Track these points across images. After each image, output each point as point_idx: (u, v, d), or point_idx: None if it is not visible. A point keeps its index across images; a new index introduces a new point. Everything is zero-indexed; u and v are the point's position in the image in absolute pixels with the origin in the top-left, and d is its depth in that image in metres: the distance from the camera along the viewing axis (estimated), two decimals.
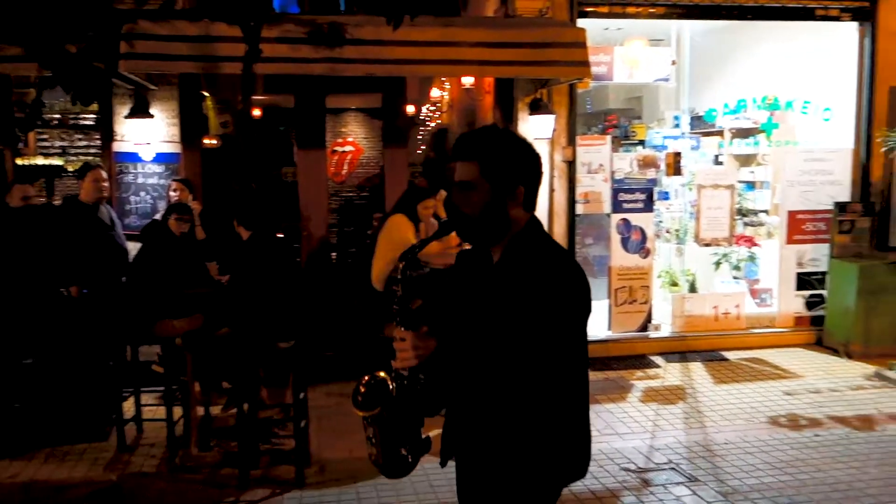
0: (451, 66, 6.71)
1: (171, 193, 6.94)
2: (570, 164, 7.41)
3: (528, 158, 2.30)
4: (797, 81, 8.21)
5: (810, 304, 7.91)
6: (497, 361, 2.14)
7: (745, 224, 8.27)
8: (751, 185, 8.52)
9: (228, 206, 6.98)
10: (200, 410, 5.49)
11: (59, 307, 5.63)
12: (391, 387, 2.29)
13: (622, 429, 5.68)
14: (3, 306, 5.45)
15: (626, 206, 7.52)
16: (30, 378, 5.45)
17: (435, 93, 10.81)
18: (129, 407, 5.63)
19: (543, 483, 2.29)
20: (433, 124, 11.42)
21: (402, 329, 2.25)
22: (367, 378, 2.34)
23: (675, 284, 8.14)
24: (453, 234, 6.92)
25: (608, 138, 7.92)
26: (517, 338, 2.12)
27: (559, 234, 7.39)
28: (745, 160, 8.65)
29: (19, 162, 8.04)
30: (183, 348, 5.23)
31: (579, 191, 7.51)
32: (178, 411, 5.35)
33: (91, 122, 8.49)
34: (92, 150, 8.50)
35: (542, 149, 7.31)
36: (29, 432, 5.36)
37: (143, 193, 7.23)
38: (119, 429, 5.39)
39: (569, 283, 2.18)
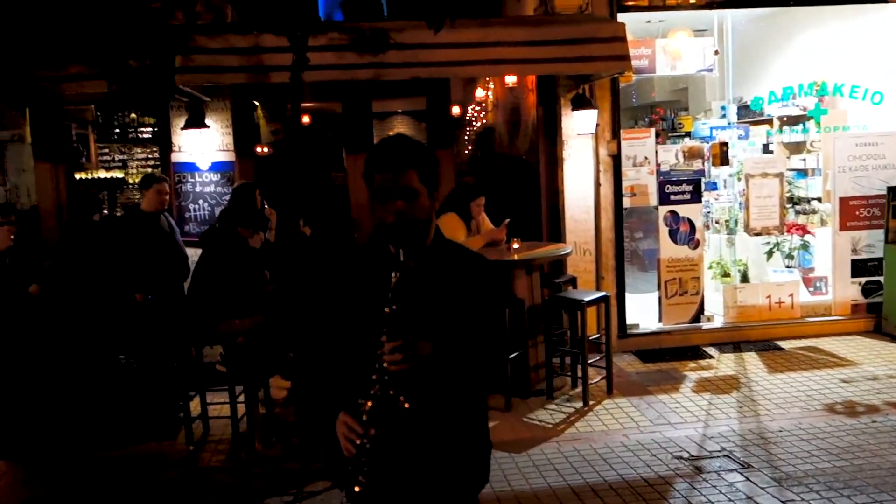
0: (493, 65, 6.80)
1: None
2: (616, 158, 7.44)
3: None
4: (845, 66, 8.09)
5: (867, 290, 7.80)
6: (477, 352, 2.30)
7: (797, 212, 8.19)
8: (802, 173, 8.43)
9: (290, 210, 7.15)
10: (262, 408, 5.70)
11: (129, 314, 5.90)
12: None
13: (675, 419, 5.71)
14: (83, 315, 5.74)
15: (673, 197, 7.52)
16: (101, 381, 5.73)
17: (479, 93, 10.93)
18: (195, 406, 5.88)
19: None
20: (479, 124, 11.54)
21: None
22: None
23: (726, 275, 8.10)
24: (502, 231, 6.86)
25: (652, 131, 7.93)
26: (487, 323, 2.35)
27: (606, 227, 7.41)
28: (796, 148, 8.55)
29: (81, 176, 8.42)
30: (245, 347, 5.43)
31: (625, 184, 7.53)
32: (241, 409, 5.56)
33: (149, 136, 8.84)
34: (150, 162, 8.85)
35: (586, 144, 7.37)
36: (100, 433, 5.63)
37: (201, 201, 7.50)
38: (187, 427, 5.62)
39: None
